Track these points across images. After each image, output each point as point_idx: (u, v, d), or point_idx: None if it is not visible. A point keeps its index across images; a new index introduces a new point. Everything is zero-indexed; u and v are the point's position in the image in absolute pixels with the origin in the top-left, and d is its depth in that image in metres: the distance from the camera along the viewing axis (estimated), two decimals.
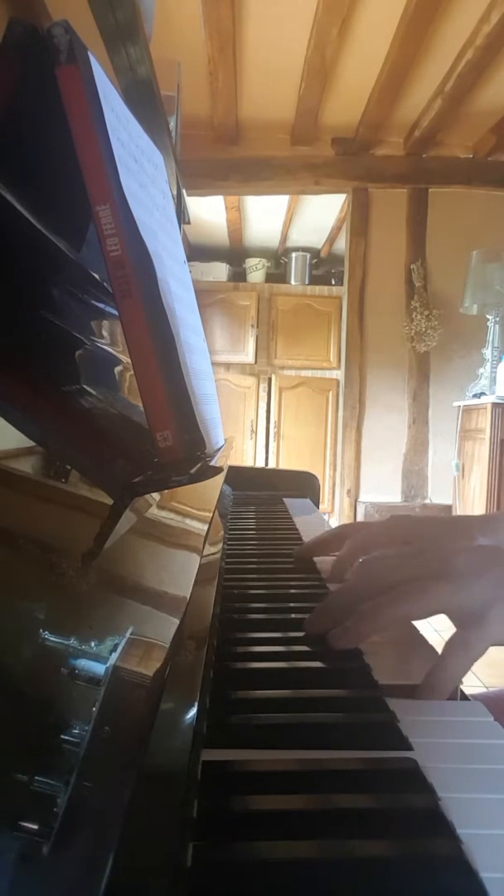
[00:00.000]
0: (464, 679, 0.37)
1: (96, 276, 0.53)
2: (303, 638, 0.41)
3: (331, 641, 0.38)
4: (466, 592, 0.37)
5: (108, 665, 0.18)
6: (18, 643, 0.16)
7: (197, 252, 5.16)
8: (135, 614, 0.24)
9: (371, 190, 3.81)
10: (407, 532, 0.48)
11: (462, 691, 0.38)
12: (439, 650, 0.42)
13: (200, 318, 0.75)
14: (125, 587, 0.25)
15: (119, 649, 0.19)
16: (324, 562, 0.60)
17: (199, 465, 0.49)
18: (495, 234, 3.69)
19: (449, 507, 3.72)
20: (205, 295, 4.68)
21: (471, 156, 3.74)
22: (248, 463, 4.65)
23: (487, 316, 3.56)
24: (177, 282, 0.56)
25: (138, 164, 0.52)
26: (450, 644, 0.37)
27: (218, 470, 0.59)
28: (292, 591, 0.53)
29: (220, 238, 5.14)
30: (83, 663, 0.17)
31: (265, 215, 4.65)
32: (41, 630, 0.17)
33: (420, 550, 0.42)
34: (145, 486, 0.37)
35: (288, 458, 4.70)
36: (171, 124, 1.77)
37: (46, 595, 0.20)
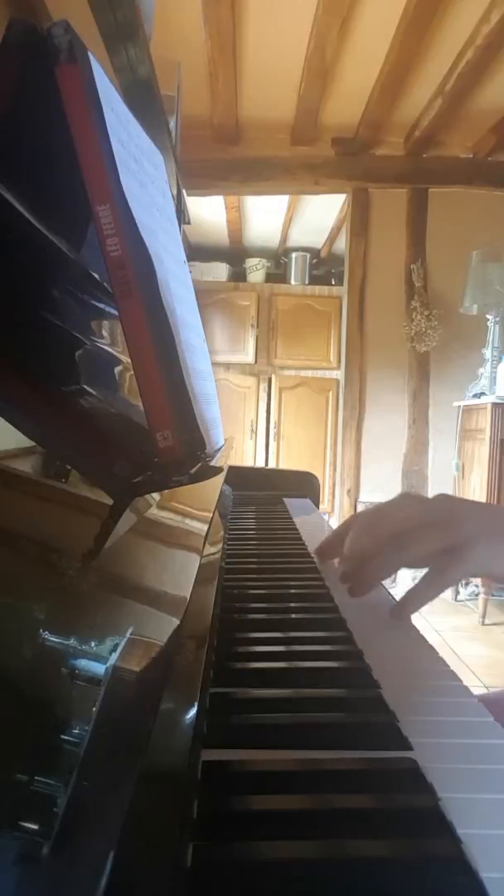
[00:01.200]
0: (463, 680, 0.37)
1: (96, 276, 0.53)
2: (302, 638, 0.41)
3: (350, 592, 0.46)
4: (453, 532, 0.43)
5: (108, 665, 0.18)
6: (18, 643, 0.16)
7: (197, 252, 5.16)
8: (135, 614, 0.24)
9: (371, 190, 3.81)
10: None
11: (412, 627, 0.46)
12: (439, 650, 0.42)
13: (200, 318, 0.75)
14: (125, 587, 0.25)
15: (119, 649, 0.19)
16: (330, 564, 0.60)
17: (199, 465, 0.49)
18: (495, 234, 3.69)
19: None
20: (205, 295, 4.68)
21: (471, 156, 3.74)
22: (248, 463, 4.65)
23: (487, 316, 3.56)
24: (177, 282, 0.56)
25: (138, 164, 0.52)
26: (429, 571, 0.43)
27: (218, 470, 0.59)
28: (292, 591, 0.53)
29: (220, 238, 5.14)
30: (83, 663, 0.17)
31: (265, 215, 4.65)
32: (41, 630, 0.17)
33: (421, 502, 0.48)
34: (145, 486, 0.37)
35: (288, 458, 4.70)
36: (171, 124, 1.77)
37: (46, 595, 0.20)
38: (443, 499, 0.49)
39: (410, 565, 0.45)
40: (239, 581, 0.55)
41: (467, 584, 3.45)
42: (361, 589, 0.46)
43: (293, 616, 0.46)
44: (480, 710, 0.33)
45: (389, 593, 0.53)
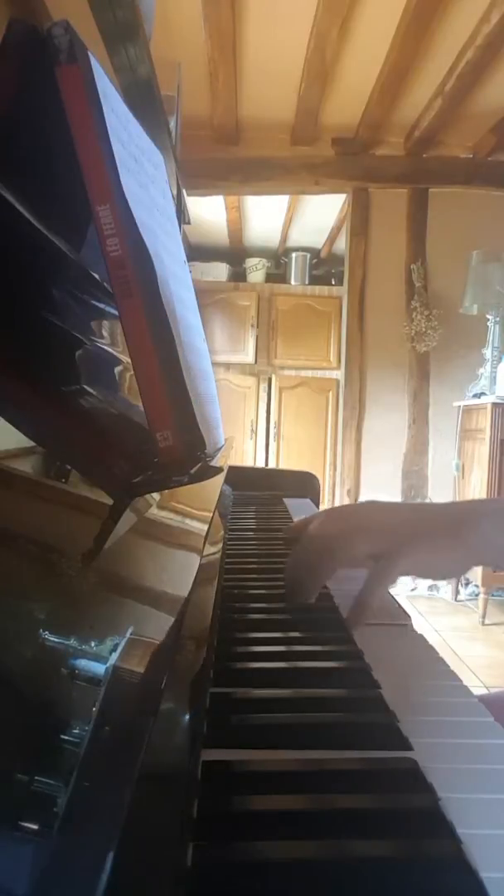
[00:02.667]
0: (463, 680, 0.37)
1: (96, 276, 0.53)
2: (302, 638, 0.41)
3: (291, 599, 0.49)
4: (381, 539, 0.46)
5: (108, 665, 0.18)
6: (18, 643, 0.16)
7: (197, 252, 5.16)
8: (135, 614, 0.24)
9: (371, 190, 3.81)
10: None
11: (403, 609, 0.51)
12: (439, 650, 0.42)
13: (200, 318, 0.75)
14: (125, 587, 0.25)
15: (119, 649, 0.19)
16: None
17: (199, 465, 0.49)
18: (495, 234, 3.69)
19: None
20: (205, 295, 4.67)
21: (471, 156, 3.74)
22: (248, 463, 4.65)
23: (487, 316, 3.56)
24: (177, 282, 0.56)
25: (138, 164, 0.52)
26: (367, 577, 0.45)
27: (218, 470, 0.59)
28: None
29: (220, 238, 5.14)
30: (83, 663, 0.17)
31: (265, 215, 4.65)
32: (41, 630, 0.17)
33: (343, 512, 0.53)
34: (145, 486, 0.37)
35: (288, 458, 4.70)
36: (171, 124, 1.77)
37: (46, 595, 0.20)
38: (370, 505, 0.53)
39: (345, 566, 0.48)
40: (239, 581, 0.55)
41: (467, 584, 3.45)
42: (303, 596, 0.48)
43: (293, 616, 0.46)
44: (480, 710, 0.33)
45: (391, 594, 0.53)
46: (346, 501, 3.89)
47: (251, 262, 5.16)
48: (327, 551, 0.47)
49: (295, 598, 0.48)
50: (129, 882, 0.13)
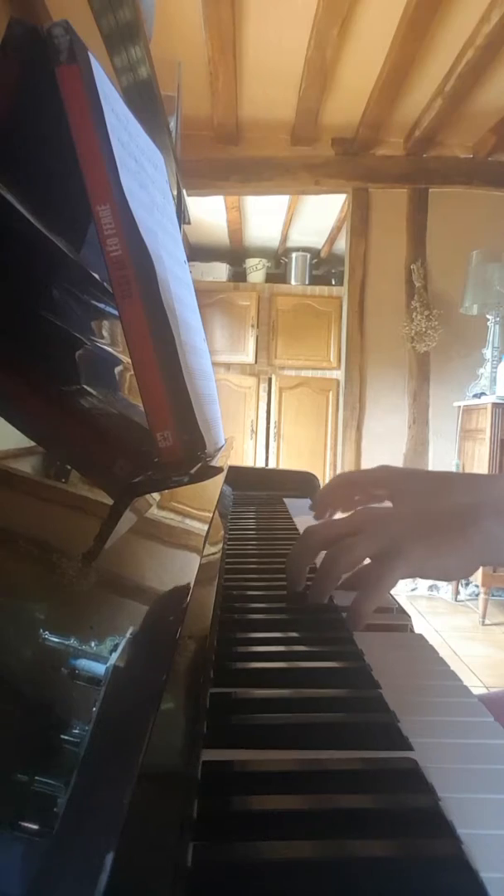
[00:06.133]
0: (463, 680, 0.37)
1: (96, 276, 0.53)
2: (302, 638, 0.41)
3: (309, 598, 0.48)
4: (381, 538, 0.44)
5: (108, 665, 0.18)
6: (18, 643, 0.16)
7: (197, 252, 5.16)
8: (135, 614, 0.24)
9: (371, 190, 3.81)
10: (391, 484, 0.55)
11: (402, 608, 0.50)
12: (440, 650, 0.42)
13: (200, 318, 0.75)
14: (125, 587, 0.25)
15: (119, 649, 0.19)
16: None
17: (199, 465, 0.49)
18: (495, 234, 3.69)
19: None
20: (205, 295, 4.67)
21: (471, 156, 3.74)
22: (248, 463, 4.65)
23: (487, 316, 3.56)
24: (177, 282, 0.56)
25: (138, 164, 0.52)
26: (364, 578, 0.44)
27: (218, 470, 0.59)
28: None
29: (220, 238, 5.14)
30: (83, 663, 0.17)
31: (265, 215, 4.65)
32: (41, 630, 0.17)
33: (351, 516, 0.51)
34: (145, 486, 0.37)
35: (288, 458, 4.70)
36: (171, 124, 1.77)
37: (46, 595, 0.20)
38: (367, 507, 0.52)
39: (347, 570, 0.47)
40: (239, 581, 0.55)
41: (467, 584, 3.45)
42: (315, 596, 0.48)
43: (293, 616, 0.46)
44: (480, 710, 0.33)
45: (393, 597, 0.53)
46: None
47: (251, 262, 5.16)
48: (329, 559, 0.46)
49: (294, 588, 0.49)
50: (129, 882, 0.13)
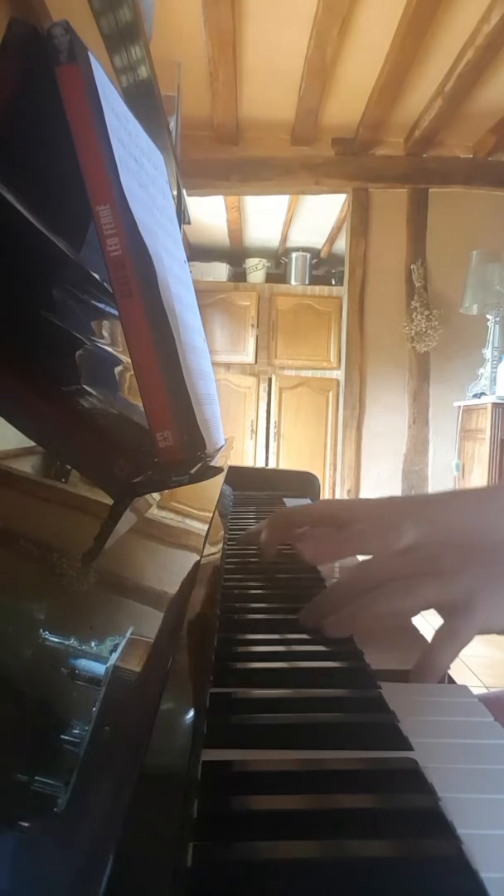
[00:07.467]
0: (460, 679, 0.37)
1: (96, 276, 0.53)
2: (302, 638, 0.41)
3: (325, 628, 0.40)
4: (452, 586, 0.39)
5: (108, 665, 0.18)
6: (18, 643, 0.16)
7: (197, 252, 5.16)
8: (135, 614, 0.24)
9: (371, 190, 3.81)
10: (337, 515, 0.49)
11: (450, 676, 0.40)
12: None
13: (200, 318, 0.75)
14: (125, 587, 0.25)
15: (119, 649, 0.19)
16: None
17: (199, 465, 0.49)
18: (495, 234, 3.69)
19: None
20: (205, 295, 4.68)
21: (471, 156, 3.74)
22: (248, 463, 4.65)
23: (487, 316, 3.56)
24: (177, 282, 0.56)
25: (138, 164, 0.52)
26: (439, 633, 0.38)
27: (218, 470, 0.59)
28: (292, 591, 0.53)
29: (220, 238, 5.14)
30: (83, 663, 0.17)
31: (265, 215, 4.65)
32: (41, 630, 0.17)
33: (408, 549, 0.44)
34: (145, 486, 0.37)
35: (288, 458, 4.70)
36: (171, 124, 1.77)
37: (46, 595, 0.20)
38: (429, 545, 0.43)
39: (403, 615, 0.41)
40: (239, 581, 0.55)
41: None
42: (338, 630, 0.40)
43: (293, 616, 0.46)
44: (480, 710, 0.33)
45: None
46: None
47: (251, 262, 5.17)
48: (383, 596, 0.39)
49: (325, 629, 0.40)
50: (129, 882, 0.13)
